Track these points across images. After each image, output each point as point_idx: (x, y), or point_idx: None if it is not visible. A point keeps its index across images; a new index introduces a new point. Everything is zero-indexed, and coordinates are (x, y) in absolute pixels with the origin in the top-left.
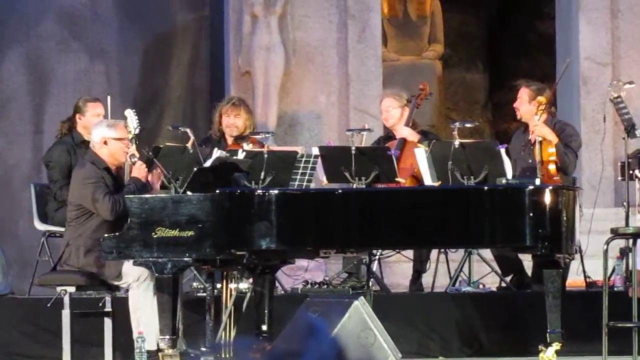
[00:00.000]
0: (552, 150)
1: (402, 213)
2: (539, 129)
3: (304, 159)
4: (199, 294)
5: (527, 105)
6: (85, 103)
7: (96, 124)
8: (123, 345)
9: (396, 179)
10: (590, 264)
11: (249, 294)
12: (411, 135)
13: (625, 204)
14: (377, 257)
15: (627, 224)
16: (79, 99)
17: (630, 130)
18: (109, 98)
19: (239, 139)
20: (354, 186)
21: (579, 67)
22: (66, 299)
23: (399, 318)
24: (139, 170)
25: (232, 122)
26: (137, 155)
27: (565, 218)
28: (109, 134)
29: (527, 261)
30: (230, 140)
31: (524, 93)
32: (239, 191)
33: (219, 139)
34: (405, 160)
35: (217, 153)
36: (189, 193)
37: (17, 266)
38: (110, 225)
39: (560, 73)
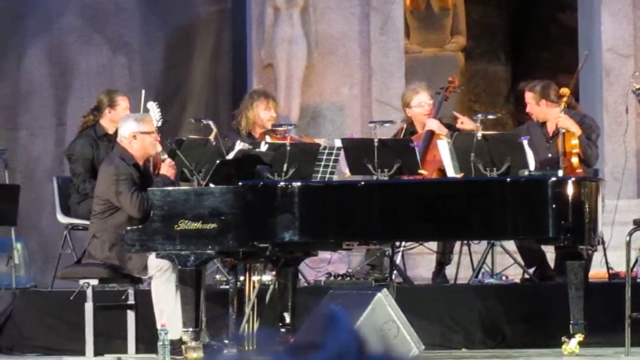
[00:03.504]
0: (575, 142)
1: (424, 205)
2: (563, 121)
3: (326, 151)
4: (222, 287)
5: (537, 107)
6: (116, 97)
7: (124, 119)
8: (146, 337)
9: (419, 171)
10: (613, 255)
11: (271, 287)
12: (439, 128)
13: None
14: (400, 249)
15: None
16: (106, 92)
17: None
18: (143, 92)
19: (267, 131)
20: (377, 178)
21: (601, 59)
22: (89, 292)
23: (422, 310)
24: (168, 168)
25: (273, 115)
26: (162, 148)
27: (587, 210)
28: (137, 128)
29: (550, 253)
30: (258, 133)
31: (529, 97)
32: (261, 183)
33: (248, 133)
34: (432, 153)
35: (239, 145)
36: (211, 185)
37: (40, 259)
38: (136, 221)
39: (580, 67)
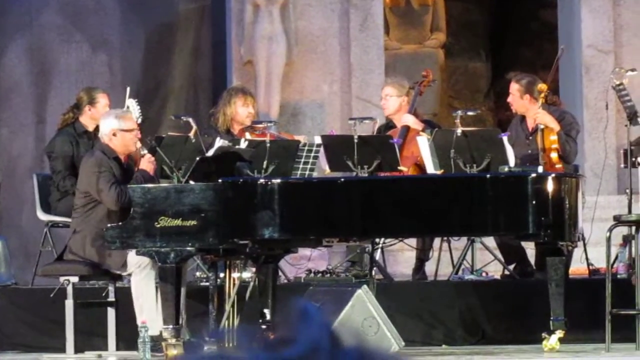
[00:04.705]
0: (554, 137)
1: (404, 201)
2: (541, 117)
3: (306, 148)
4: (202, 284)
5: (520, 100)
6: (96, 94)
7: (104, 116)
8: (126, 335)
9: (398, 168)
10: (594, 251)
11: (252, 284)
12: (414, 123)
13: (628, 191)
14: (380, 245)
15: (630, 212)
16: (86, 89)
17: (632, 117)
18: (127, 89)
19: (247, 128)
20: (357, 175)
21: (581, 55)
22: (69, 289)
23: (402, 307)
24: (147, 164)
25: (251, 111)
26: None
27: (568, 206)
28: (117, 126)
29: (530, 249)
30: (237, 130)
31: (514, 88)
32: (241, 180)
33: (227, 130)
34: (408, 149)
35: (219, 142)
36: (191, 182)
37: (20, 257)
38: (117, 215)
39: (555, 60)
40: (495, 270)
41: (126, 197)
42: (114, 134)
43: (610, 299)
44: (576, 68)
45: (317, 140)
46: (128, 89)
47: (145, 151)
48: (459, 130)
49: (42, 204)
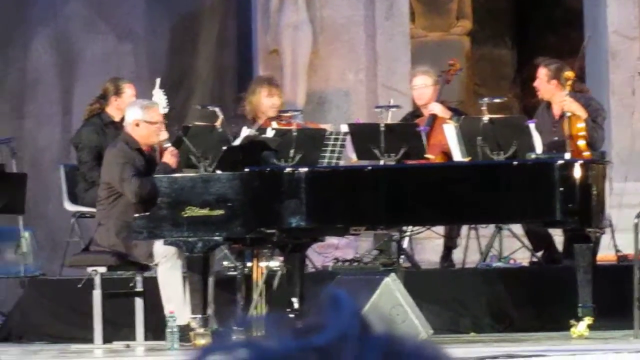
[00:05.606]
0: (581, 125)
1: (431, 189)
2: (568, 104)
3: (333, 137)
4: (229, 273)
5: (546, 84)
6: (122, 84)
7: (130, 104)
8: (154, 324)
9: (425, 156)
10: (621, 238)
11: (279, 273)
12: (442, 111)
13: None
14: (407, 233)
15: None
16: (112, 80)
17: None
18: (158, 80)
19: (273, 117)
20: (383, 163)
21: (607, 41)
22: (97, 280)
23: (429, 295)
24: (170, 157)
25: (276, 102)
26: (167, 136)
27: (595, 192)
28: (141, 117)
29: (557, 236)
30: (262, 119)
31: (542, 73)
32: (268, 169)
33: (253, 119)
34: (435, 137)
35: (245, 132)
36: (218, 172)
37: (47, 247)
38: (140, 206)
39: (582, 47)
40: (522, 257)
41: (146, 190)
42: (137, 124)
43: (638, 286)
44: (602, 54)
45: (344, 128)
46: (158, 80)
47: (169, 144)
48: (486, 118)
49: (69, 195)
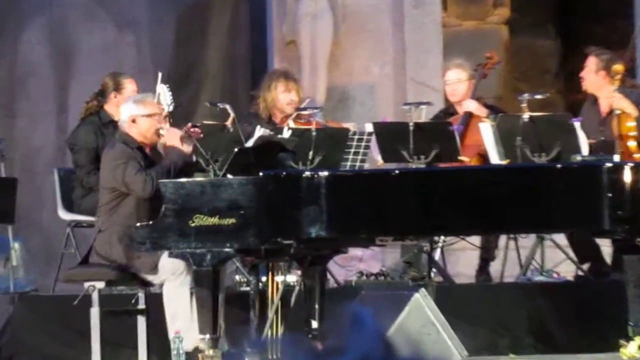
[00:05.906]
0: (632, 124)
1: (466, 195)
2: (617, 101)
3: (356, 137)
4: (242, 289)
5: (594, 75)
6: (122, 80)
7: (123, 103)
8: (158, 346)
9: (459, 158)
10: None
11: (297, 288)
12: (477, 109)
13: None
14: (439, 244)
15: None
16: (111, 74)
17: None
18: (160, 75)
19: (290, 115)
20: (413, 166)
21: None
22: (95, 296)
23: (464, 312)
24: (171, 137)
25: (294, 98)
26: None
27: None
28: (137, 111)
29: (605, 247)
30: (279, 118)
31: (591, 62)
32: (284, 173)
33: (268, 118)
34: (470, 137)
35: (259, 131)
36: (229, 176)
37: (40, 260)
38: (146, 211)
39: (632, 38)
40: (567, 270)
41: (156, 183)
42: (133, 120)
43: None
44: None
45: (369, 128)
46: (160, 74)
47: (164, 130)
48: (526, 116)
49: (64, 202)
